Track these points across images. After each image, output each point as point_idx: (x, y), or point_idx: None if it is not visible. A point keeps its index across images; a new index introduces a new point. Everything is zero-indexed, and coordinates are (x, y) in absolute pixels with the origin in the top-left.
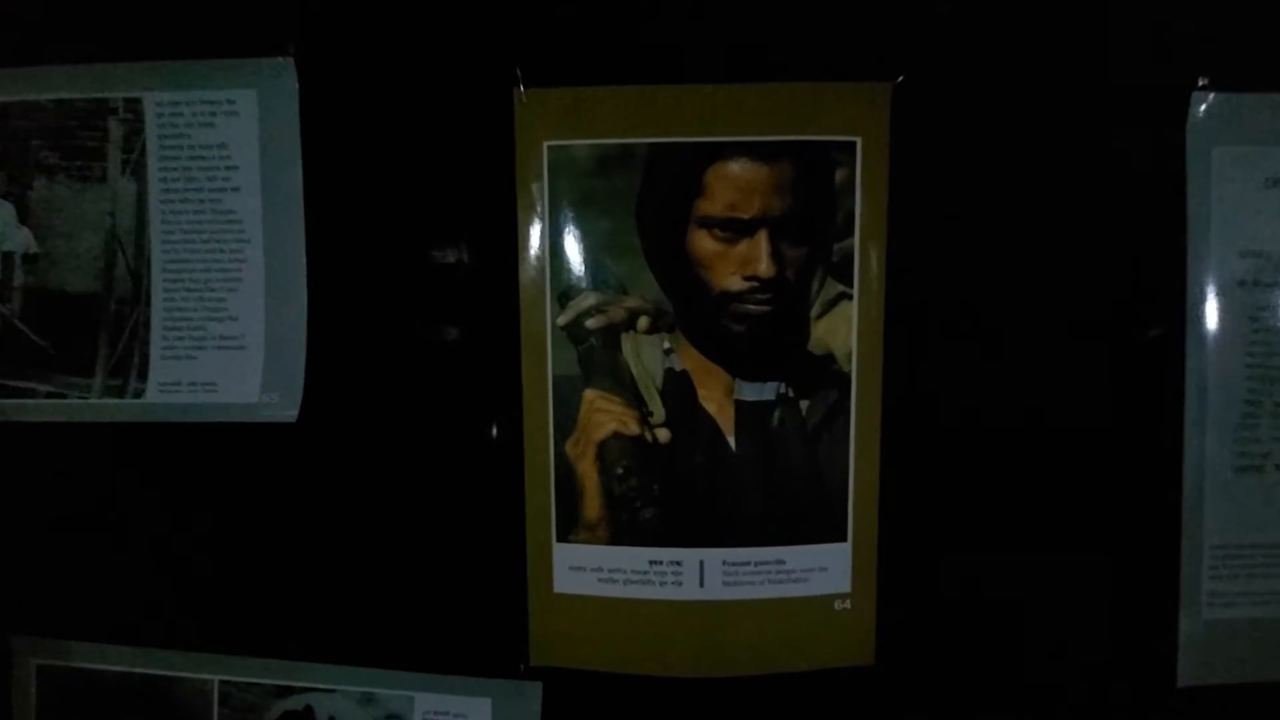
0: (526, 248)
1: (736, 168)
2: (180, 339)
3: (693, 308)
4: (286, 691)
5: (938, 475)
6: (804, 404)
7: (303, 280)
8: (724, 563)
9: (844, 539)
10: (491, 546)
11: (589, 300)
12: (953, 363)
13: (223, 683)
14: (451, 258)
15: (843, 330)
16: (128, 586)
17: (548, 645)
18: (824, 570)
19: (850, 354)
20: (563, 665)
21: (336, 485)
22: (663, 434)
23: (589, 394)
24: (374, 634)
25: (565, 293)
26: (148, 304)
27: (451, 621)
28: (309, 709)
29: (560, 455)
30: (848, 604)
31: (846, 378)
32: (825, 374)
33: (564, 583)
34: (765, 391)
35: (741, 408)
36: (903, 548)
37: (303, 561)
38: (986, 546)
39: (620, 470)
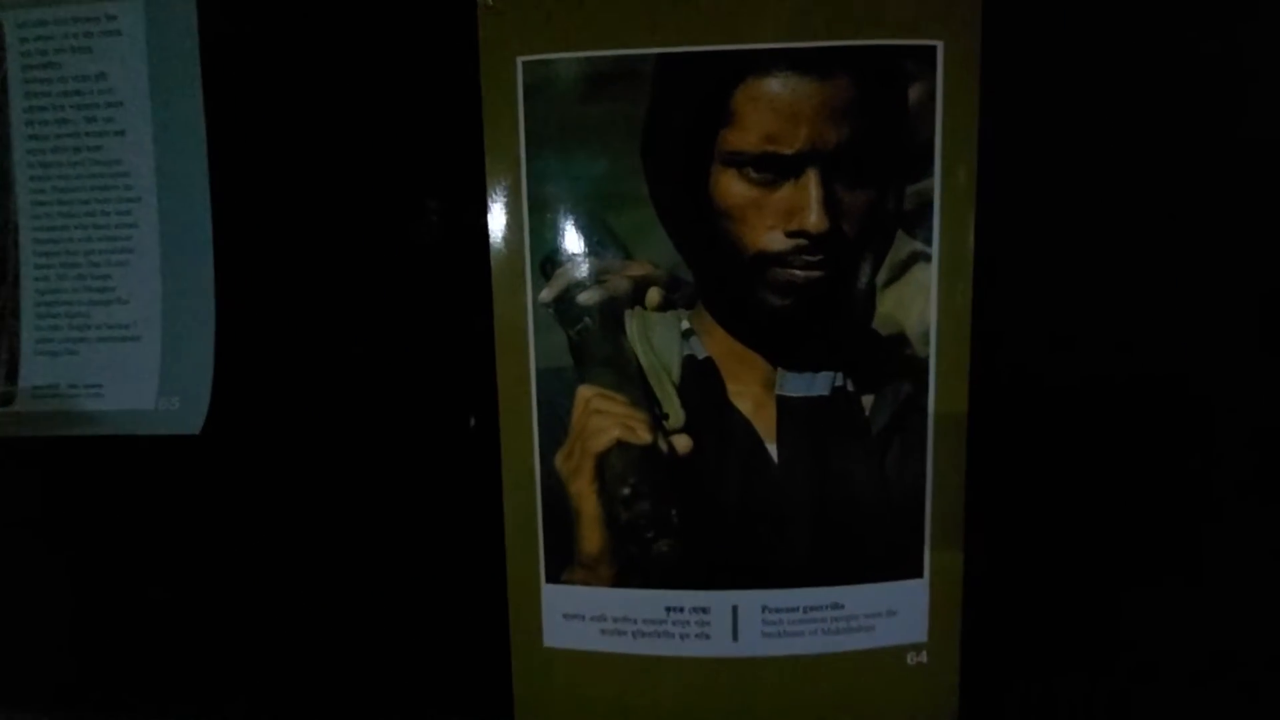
0: (497, 200)
1: (776, 86)
2: (57, 328)
3: (719, 275)
4: None
5: (1042, 492)
6: (867, 400)
7: (209, 250)
8: (764, 609)
9: (919, 575)
10: (465, 588)
11: (581, 268)
12: (1067, 345)
13: None
14: (400, 217)
15: (918, 302)
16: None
17: (538, 712)
18: (893, 615)
19: (928, 333)
20: None
21: (255, 517)
22: (681, 442)
23: (584, 391)
24: (319, 697)
25: (550, 259)
26: (15, 284)
27: (419, 683)
28: None
29: (549, 471)
30: (923, 657)
31: (924, 365)
32: (895, 360)
33: (556, 634)
34: (816, 385)
35: (785, 407)
36: (995, 586)
37: (219, 611)
38: (1105, 582)
39: (627, 490)
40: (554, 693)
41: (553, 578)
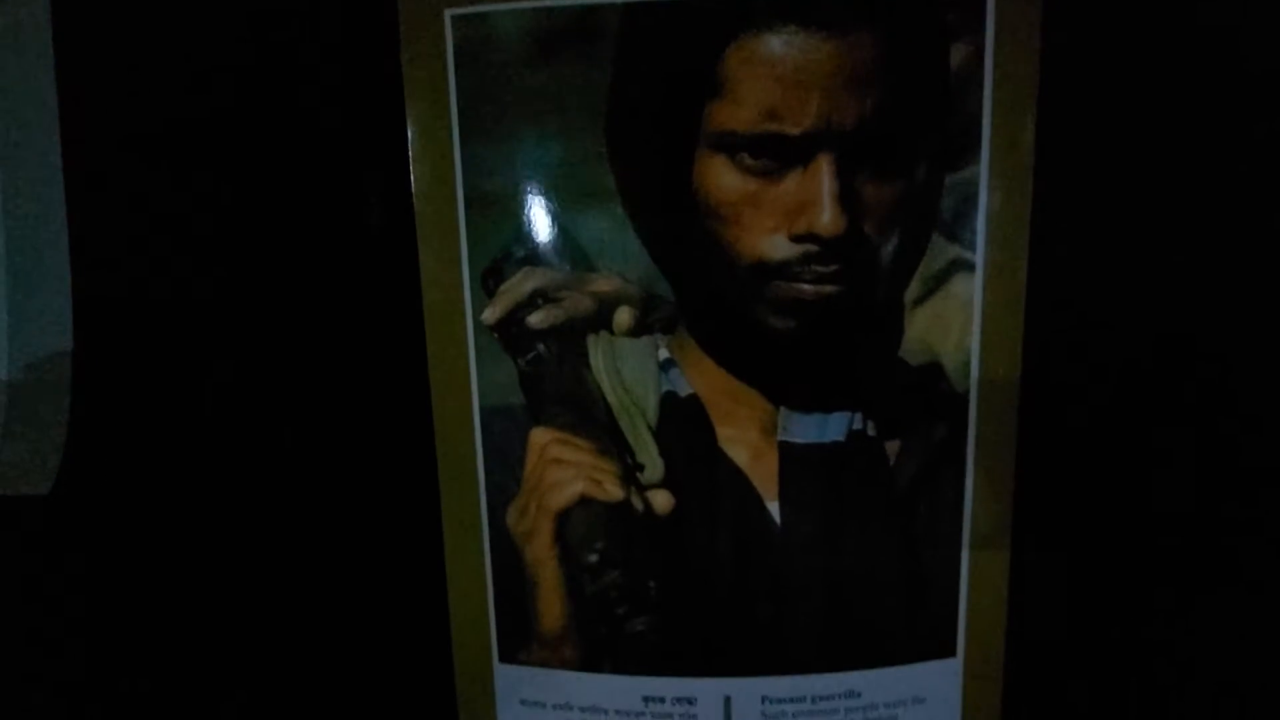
0: (424, 195)
1: (779, 46)
2: None
3: (706, 291)
4: None
5: (1100, 558)
6: (892, 447)
7: (64, 258)
8: (763, 699)
9: (952, 654)
10: (407, 669)
11: (531, 281)
12: (1139, 378)
13: None
14: (305, 218)
15: (957, 323)
16: None
17: None
18: (920, 703)
19: (969, 362)
20: None
21: (123, 592)
22: (660, 499)
23: (539, 436)
24: None
25: (493, 271)
26: None
27: None
28: None
29: (498, 532)
30: None
31: (963, 402)
32: (928, 397)
33: None
34: (829, 429)
35: (790, 456)
36: (1040, 668)
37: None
38: (1169, 666)
39: (593, 556)
40: None
41: (507, 657)
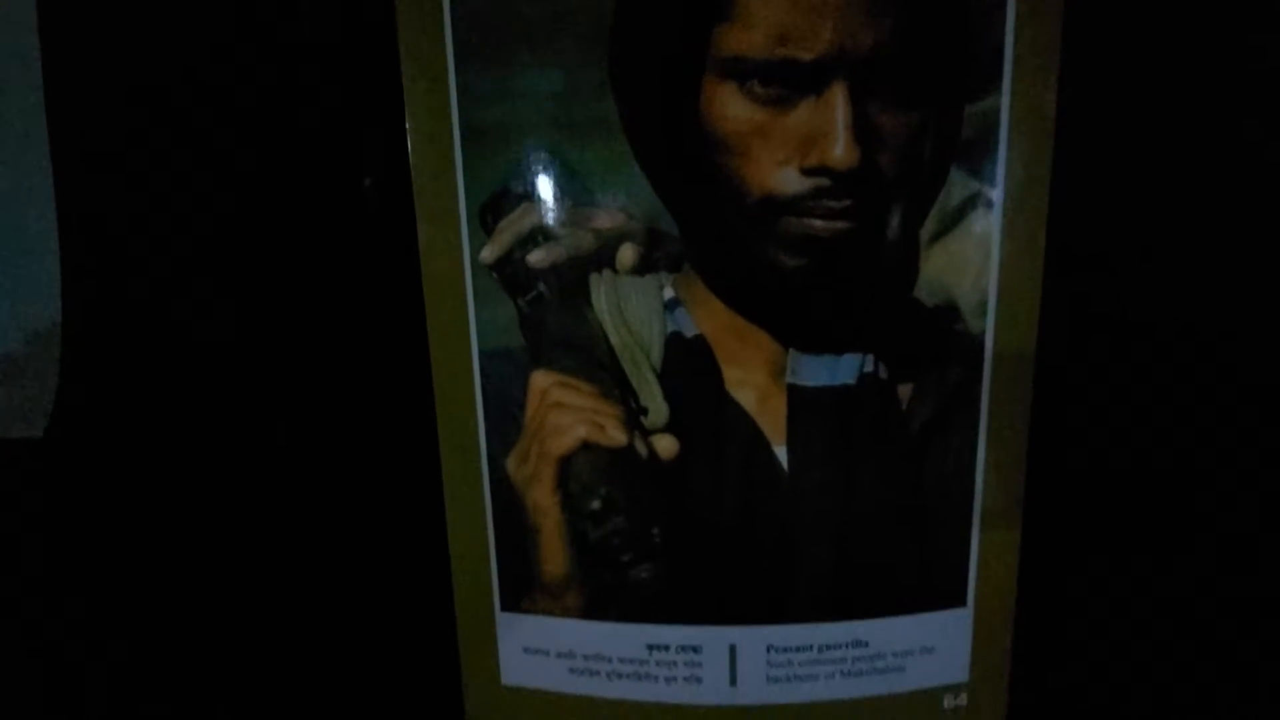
0: (418, 128)
1: None
2: None
3: (713, 227)
4: None
5: (1117, 504)
6: (905, 390)
7: (51, 215)
8: (769, 648)
9: (962, 603)
10: (410, 618)
11: (531, 217)
12: (1162, 320)
13: None
14: (297, 157)
15: (975, 262)
16: None
17: None
18: (929, 652)
19: (985, 303)
20: None
21: (119, 533)
22: (664, 444)
23: (540, 379)
24: None
25: (491, 207)
26: None
27: None
28: None
29: (499, 479)
30: (962, 700)
31: (979, 345)
32: (943, 339)
33: (516, 671)
34: (840, 371)
35: (799, 399)
36: (1052, 617)
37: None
38: (1183, 612)
39: (596, 503)
40: None
41: (510, 605)
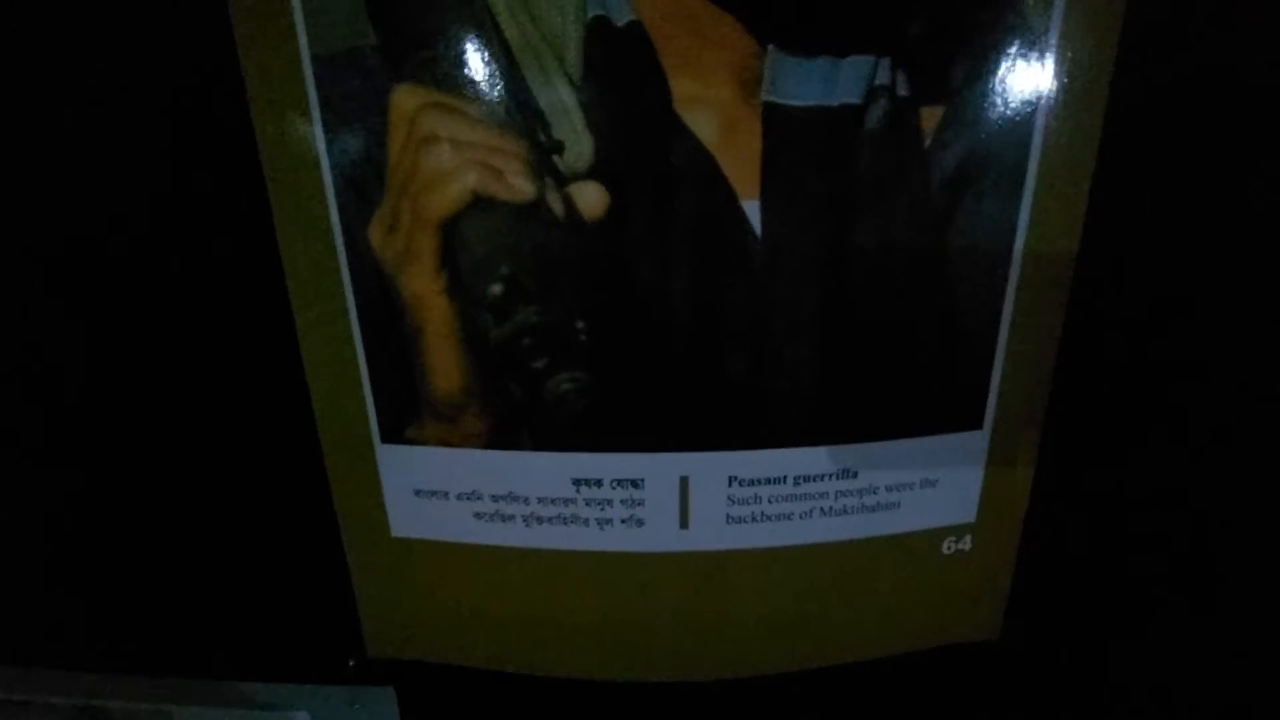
0: None
1: None
2: None
3: None
4: None
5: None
6: (930, 116)
7: None
8: (730, 480)
9: (977, 425)
10: (268, 462)
11: None
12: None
13: None
14: None
15: None
16: None
17: (393, 628)
18: (931, 486)
19: None
20: (424, 659)
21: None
22: (588, 195)
23: (405, 98)
24: (106, 624)
25: None
26: None
27: (232, 595)
28: None
29: (360, 258)
30: (966, 543)
31: (1043, 47)
32: (994, 34)
33: (408, 520)
34: (839, 83)
35: (780, 125)
36: (1078, 456)
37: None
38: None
39: (497, 287)
40: (412, 599)
41: (391, 436)
